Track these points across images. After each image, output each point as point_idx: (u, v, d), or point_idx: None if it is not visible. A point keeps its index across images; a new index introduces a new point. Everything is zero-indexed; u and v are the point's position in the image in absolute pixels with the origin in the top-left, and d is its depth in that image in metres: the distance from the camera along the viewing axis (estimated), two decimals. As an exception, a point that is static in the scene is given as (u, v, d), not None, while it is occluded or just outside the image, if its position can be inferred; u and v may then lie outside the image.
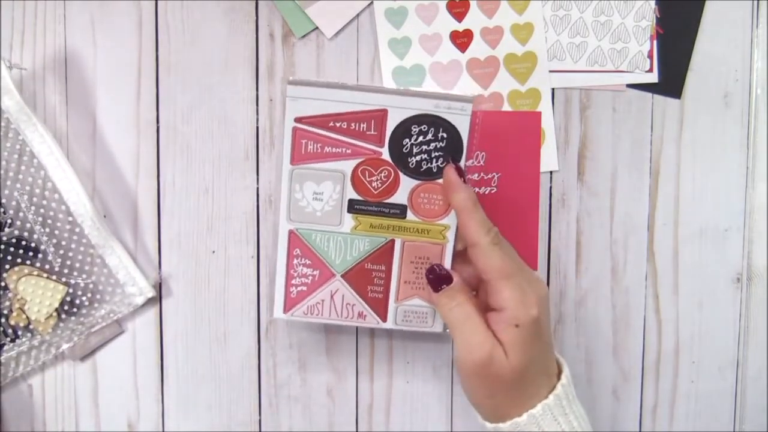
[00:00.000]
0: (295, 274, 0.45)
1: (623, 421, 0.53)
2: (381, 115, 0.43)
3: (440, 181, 0.44)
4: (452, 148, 0.43)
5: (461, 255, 0.45)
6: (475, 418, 0.43)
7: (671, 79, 0.51)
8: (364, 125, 0.43)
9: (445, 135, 0.43)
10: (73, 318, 0.49)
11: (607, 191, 0.51)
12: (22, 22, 0.49)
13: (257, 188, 0.50)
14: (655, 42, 0.50)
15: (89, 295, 0.49)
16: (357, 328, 0.51)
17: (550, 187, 0.51)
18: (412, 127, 0.43)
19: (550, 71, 0.50)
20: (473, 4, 0.49)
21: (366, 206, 0.44)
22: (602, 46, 0.50)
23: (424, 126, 0.43)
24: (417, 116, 0.43)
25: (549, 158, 0.50)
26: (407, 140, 0.43)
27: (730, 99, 0.51)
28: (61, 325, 0.49)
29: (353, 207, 0.44)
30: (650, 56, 0.50)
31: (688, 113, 0.51)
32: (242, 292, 0.51)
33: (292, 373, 0.52)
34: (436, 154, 0.43)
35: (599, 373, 0.52)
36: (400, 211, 0.44)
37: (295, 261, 0.45)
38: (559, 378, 0.42)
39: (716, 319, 0.52)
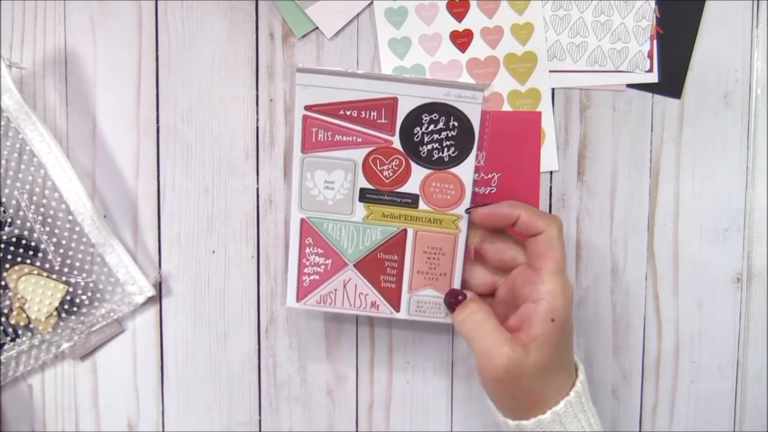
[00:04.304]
0: (308, 263, 0.45)
1: (623, 421, 0.52)
2: (391, 104, 0.43)
3: (452, 170, 0.44)
4: (464, 136, 0.43)
5: (477, 254, 0.45)
6: (492, 416, 0.43)
7: (671, 79, 0.51)
8: (375, 113, 0.43)
9: (456, 124, 0.43)
10: (73, 317, 0.49)
11: (607, 191, 0.51)
12: (22, 22, 0.49)
13: (257, 188, 0.50)
14: (655, 42, 0.50)
15: (89, 294, 0.49)
16: (357, 327, 0.51)
17: (550, 187, 0.51)
18: (423, 116, 0.43)
19: (550, 71, 0.50)
20: (473, 4, 0.49)
21: (378, 195, 0.44)
22: (602, 46, 0.50)
23: (435, 114, 0.43)
24: (427, 105, 0.43)
25: (549, 158, 0.50)
26: (418, 129, 0.43)
27: (730, 99, 0.51)
28: (62, 324, 0.49)
29: (365, 196, 0.44)
30: (650, 56, 0.50)
31: (688, 113, 0.51)
32: (242, 292, 0.51)
33: (292, 373, 0.51)
34: (448, 143, 0.43)
35: (599, 373, 0.52)
36: (412, 200, 0.44)
37: (308, 250, 0.45)
38: (576, 375, 0.42)
39: (716, 319, 0.52)
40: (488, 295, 0.46)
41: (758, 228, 0.52)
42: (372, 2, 0.49)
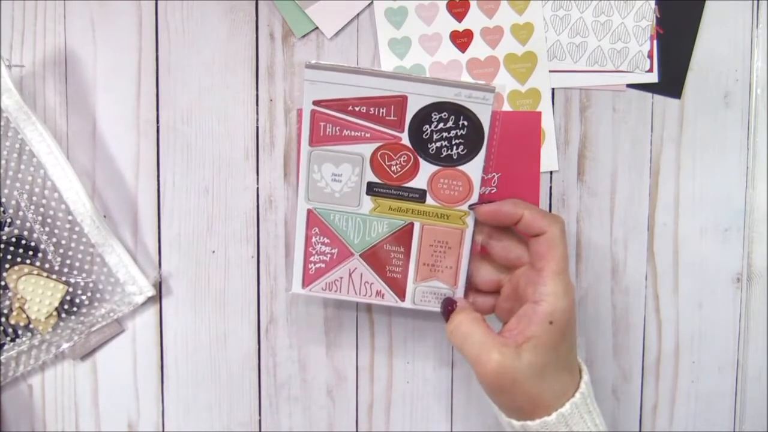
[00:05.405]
0: (314, 252, 0.46)
1: (623, 421, 0.52)
2: (401, 101, 0.43)
3: (460, 167, 0.44)
4: (473, 136, 0.43)
5: (483, 251, 0.45)
6: (496, 417, 0.43)
7: (671, 79, 0.51)
8: (384, 110, 0.43)
9: (466, 123, 0.43)
10: (73, 317, 0.49)
11: (607, 191, 0.51)
12: (22, 22, 0.49)
13: (257, 188, 0.50)
14: (655, 42, 0.50)
15: (89, 294, 0.49)
16: (357, 327, 0.51)
17: (550, 187, 0.51)
18: (432, 114, 0.43)
19: (550, 71, 0.50)
20: (473, 4, 0.49)
21: (385, 189, 0.44)
22: (602, 46, 0.50)
23: (445, 113, 0.43)
24: (437, 103, 0.43)
25: (549, 158, 0.50)
26: (427, 126, 0.43)
27: (730, 99, 0.51)
28: (61, 324, 0.49)
29: (372, 190, 0.44)
30: (650, 56, 0.50)
31: (688, 113, 0.51)
32: (242, 292, 0.51)
33: (292, 373, 0.51)
34: (457, 141, 0.43)
35: (599, 373, 0.52)
36: (420, 195, 0.44)
37: (314, 239, 0.45)
38: (580, 376, 0.42)
39: (716, 319, 0.52)
40: (494, 292, 0.46)
41: (758, 228, 0.52)
42: (372, 2, 0.49)
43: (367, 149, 0.44)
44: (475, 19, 0.49)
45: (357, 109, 0.43)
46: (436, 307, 0.46)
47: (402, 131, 0.43)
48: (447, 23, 0.49)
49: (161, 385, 0.51)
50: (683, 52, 0.51)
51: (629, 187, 0.51)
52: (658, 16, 0.50)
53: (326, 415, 0.52)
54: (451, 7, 0.49)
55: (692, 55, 0.51)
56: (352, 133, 0.43)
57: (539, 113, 0.50)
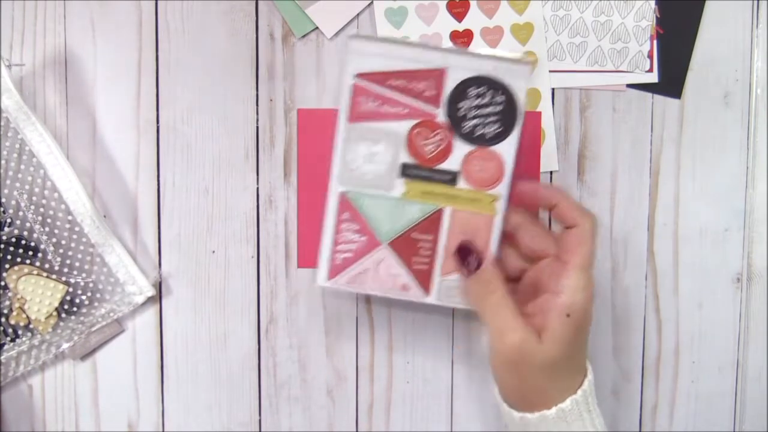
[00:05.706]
0: (342, 240, 0.44)
1: (623, 421, 0.52)
2: (439, 75, 0.42)
3: (492, 148, 0.43)
4: (508, 113, 0.42)
5: (509, 238, 0.45)
6: (498, 407, 0.43)
7: (671, 79, 0.51)
8: (422, 85, 0.42)
9: (502, 98, 0.42)
10: (73, 317, 0.49)
11: (607, 191, 0.51)
12: (22, 22, 0.49)
13: (257, 188, 0.50)
14: (655, 42, 0.50)
15: (89, 294, 0.49)
16: (357, 326, 0.51)
17: (550, 187, 0.51)
18: (469, 90, 0.42)
19: (550, 71, 0.50)
20: (473, 4, 0.49)
21: (418, 171, 0.44)
22: (602, 46, 0.50)
23: (483, 88, 0.42)
24: (475, 78, 0.42)
25: (549, 158, 0.50)
26: (463, 103, 0.43)
27: (730, 99, 0.51)
28: (61, 324, 0.49)
29: (405, 171, 0.44)
30: (650, 56, 0.50)
31: (688, 113, 0.51)
32: (242, 292, 0.51)
33: (292, 373, 0.51)
34: (492, 119, 0.43)
35: (599, 373, 0.52)
36: (451, 177, 0.44)
37: (344, 225, 0.44)
38: (585, 376, 0.42)
39: (716, 319, 0.52)
40: (513, 280, 0.45)
41: (758, 228, 0.52)
42: (372, 2, 0.49)
43: (403, 127, 0.43)
44: (475, 19, 0.50)
45: (396, 82, 0.42)
46: (461, 305, 0.45)
47: (438, 107, 0.43)
48: (447, 23, 0.49)
49: (161, 385, 0.51)
50: (683, 52, 0.51)
51: (629, 187, 0.51)
52: (658, 16, 0.50)
53: (326, 415, 0.52)
54: (451, 7, 0.49)
55: (692, 55, 0.51)
56: (390, 109, 0.43)
57: (539, 113, 0.50)
